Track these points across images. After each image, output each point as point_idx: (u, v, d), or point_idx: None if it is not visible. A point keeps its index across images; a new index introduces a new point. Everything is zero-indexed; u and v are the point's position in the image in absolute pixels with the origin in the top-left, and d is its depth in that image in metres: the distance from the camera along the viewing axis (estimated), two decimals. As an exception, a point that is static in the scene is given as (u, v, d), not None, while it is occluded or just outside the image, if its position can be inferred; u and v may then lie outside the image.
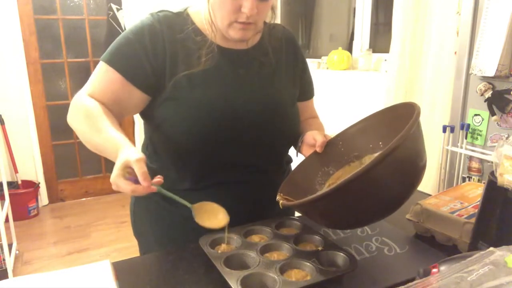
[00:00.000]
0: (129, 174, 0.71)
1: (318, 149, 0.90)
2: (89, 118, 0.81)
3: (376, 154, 0.68)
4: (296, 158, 1.02)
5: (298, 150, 0.99)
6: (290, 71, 1.00)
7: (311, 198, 0.66)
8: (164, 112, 0.87)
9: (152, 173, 0.92)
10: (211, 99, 0.86)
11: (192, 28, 0.88)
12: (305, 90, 1.07)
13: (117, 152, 0.73)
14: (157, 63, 0.85)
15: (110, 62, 0.86)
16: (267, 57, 0.95)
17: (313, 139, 0.92)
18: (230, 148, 0.89)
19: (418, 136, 0.70)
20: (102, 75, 0.87)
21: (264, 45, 0.96)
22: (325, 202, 0.65)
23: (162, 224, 0.97)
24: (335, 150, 0.91)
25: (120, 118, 0.88)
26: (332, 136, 0.93)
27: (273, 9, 0.93)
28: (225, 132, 0.87)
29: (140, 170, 0.69)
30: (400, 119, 0.72)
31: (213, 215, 0.81)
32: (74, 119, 0.85)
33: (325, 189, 0.65)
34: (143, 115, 0.94)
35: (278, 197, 0.80)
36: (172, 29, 0.87)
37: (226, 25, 0.84)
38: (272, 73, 0.95)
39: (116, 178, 0.70)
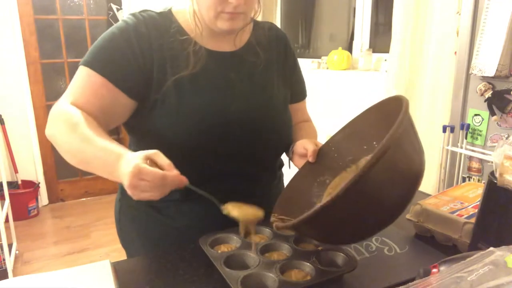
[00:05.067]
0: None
1: (310, 159, 0.84)
2: (75, 128, 0.72)
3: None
4: (288, 170, 0.97)
5: (290, 160, 0.94)
6: (280, 71, 0.96)
7: (307, 215, 0.57)
8: (152, 121, 0.82)
9: None
10: (201, 107, 0.82)
11: (176, 28, 0.84)
12: (296, 91, 1.02)
13: (118, 160, 0.66)
14: (145, 67, 0.80)
15: (93, 65, 0.79)
16: (257, 57, 0.90)
17: (303, 148, 0.87)
18: (221, 157, 0.85)
19: (410, 129, 0.65)
20: (84, 81, 0.80)
21: (253, 45, 0.91)
22: (323, 216, 0.58)
23: (150, 233, 0.93)
24: (328, 157, 0.86)
25: (106, 128, 0.79)
26: (322, 144, 0.88)
27: (258, 2, 0.86)
28: (215, 140, 0.83)
29: (166, 160, 0.65)
30: (390, 114, 0.67)
31: (245, 209, 0.75)
32: (56, 130, 0.76)
33: (324, 200, 0.57)
34: (127, 125, 0.87)
35: (272, 218, 0.74)
36: (158, 31, 0.82)
37: (212, 16, 0.79)
38: (263, 74, 0.91)
39: (138, 166, 0.61)
